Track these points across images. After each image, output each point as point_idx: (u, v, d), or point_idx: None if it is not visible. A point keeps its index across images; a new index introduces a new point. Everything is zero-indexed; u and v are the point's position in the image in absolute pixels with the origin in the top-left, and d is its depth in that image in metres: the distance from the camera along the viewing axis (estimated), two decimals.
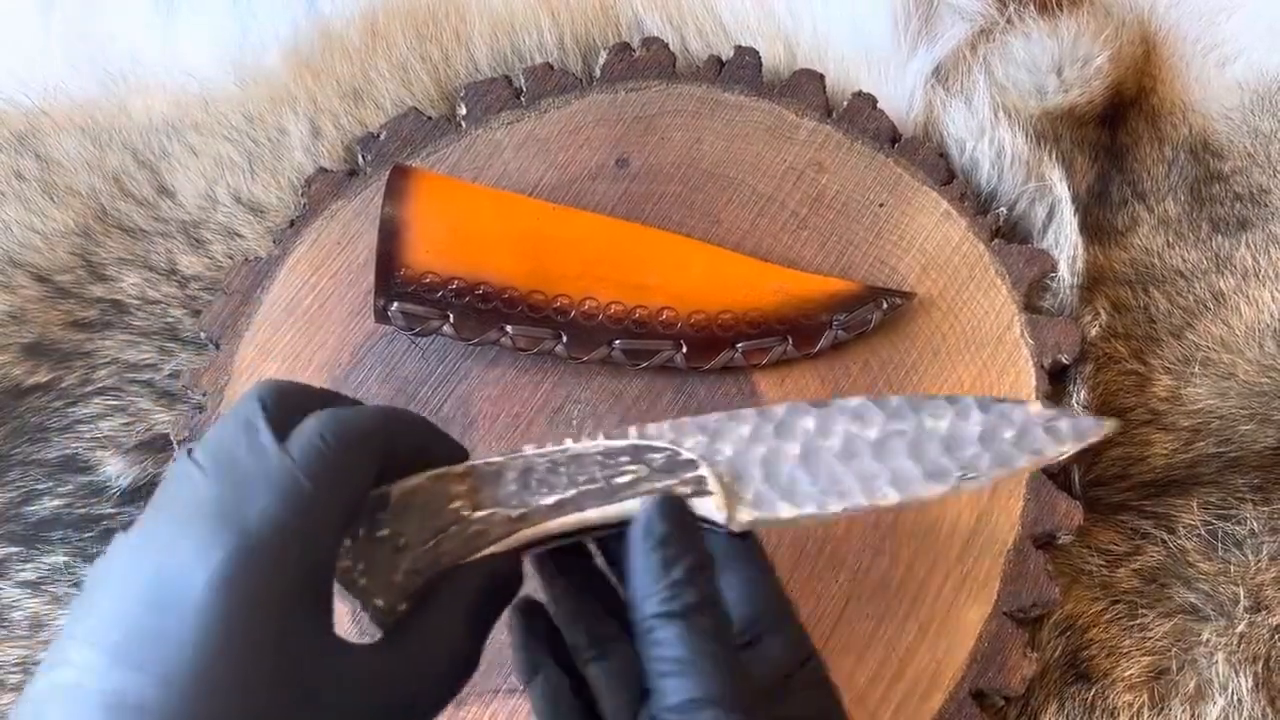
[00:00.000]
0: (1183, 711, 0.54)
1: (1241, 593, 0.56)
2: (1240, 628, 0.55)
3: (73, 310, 0.62)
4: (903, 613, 0.53)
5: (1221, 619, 0.55)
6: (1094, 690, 0.54)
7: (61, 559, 0.58)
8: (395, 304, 0.56)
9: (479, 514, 0.37)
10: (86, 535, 0.59)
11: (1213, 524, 0.57)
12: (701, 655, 0.33)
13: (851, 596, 0.53)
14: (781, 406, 0.40)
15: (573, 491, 0.37)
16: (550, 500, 0.37)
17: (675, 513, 0.36)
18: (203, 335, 0.60)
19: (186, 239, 0.63)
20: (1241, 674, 0.54)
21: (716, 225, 0.60)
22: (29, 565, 0.58)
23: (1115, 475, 0.59)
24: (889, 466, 0.38)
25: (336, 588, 0.34)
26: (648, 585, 0.34)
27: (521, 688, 0.53)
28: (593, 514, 0.37)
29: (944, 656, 0.52)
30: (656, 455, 0.38)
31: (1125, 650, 0.55)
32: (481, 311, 0.56)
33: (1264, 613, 0.55)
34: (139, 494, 0.59)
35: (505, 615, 0.38)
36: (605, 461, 0.38)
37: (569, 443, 0.39)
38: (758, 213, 0.61)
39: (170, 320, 0.62)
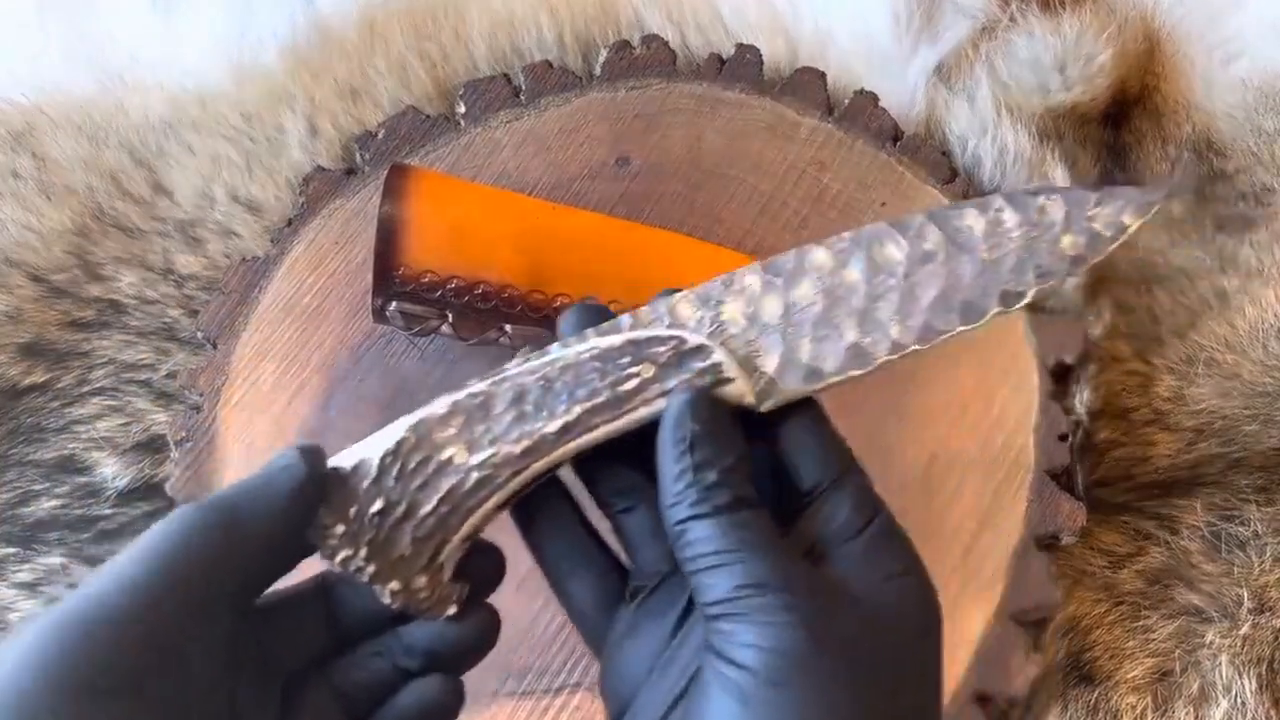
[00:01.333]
0: (1186, 714, 0.54)
1: (1245, 594, 0.55)
2: (1244, 629, 0.55)
3: (69, 310, 0.62)
4: None
5: (1225, 620, 0.55)
6: (1097, 692, 0.54)
7: (58, 560, 0.58)
8: (393, 303, 0.56)
9: (477, 457, 0.33)
10: (83, 536, 0.58)
11: (1216, 525, 0.57)
12: (743, 544, 0.31)
13: None
14: (789, 254, 0.35)
15: (577, 409, 0.33)
16: (554, 425, 0.33)
17: (702, 410, 0.33)
18: (200, 335, 0.60)
19: (183, 238, 0.63)
20: (1245, 676, 0.54)
21: (717, 224, 0.60)
22: (26, 566, 0.58)
23: (1118, 476, 0.59)
24: (926, 295, 0.34)
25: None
26: (679, 490, 0.32)
27: (518, 690, 0.53)
28: (605, 430, 0.33)
29: (947, 658, 0.52)
30: (660, 349, 0.34)
31: (1129, 652, 0.55)
32: (480, 311, 0.56)
33: (1268, 614, 0.55)
34: (135, 495, 0.59)
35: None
36: (604, 366, 0.34)
37: (555, 349, 0.34)
38: (759, 212, 0.61)
39: (167, 320, 0.62)
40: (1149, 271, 0.63)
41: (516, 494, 0.34)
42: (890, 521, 0.33)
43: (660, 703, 0.32)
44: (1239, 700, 0.54)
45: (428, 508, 0.33)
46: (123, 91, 0.66)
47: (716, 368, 0.34)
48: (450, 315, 0.56)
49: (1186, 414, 0.59)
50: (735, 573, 0.30)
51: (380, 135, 0.63)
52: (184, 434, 0.57)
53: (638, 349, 0.34)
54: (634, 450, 0.34)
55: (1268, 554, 0.56)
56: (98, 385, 0.61)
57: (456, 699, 0.34)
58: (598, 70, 0.64)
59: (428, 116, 0.63)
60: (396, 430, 0.33)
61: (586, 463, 0.35)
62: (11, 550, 0.58)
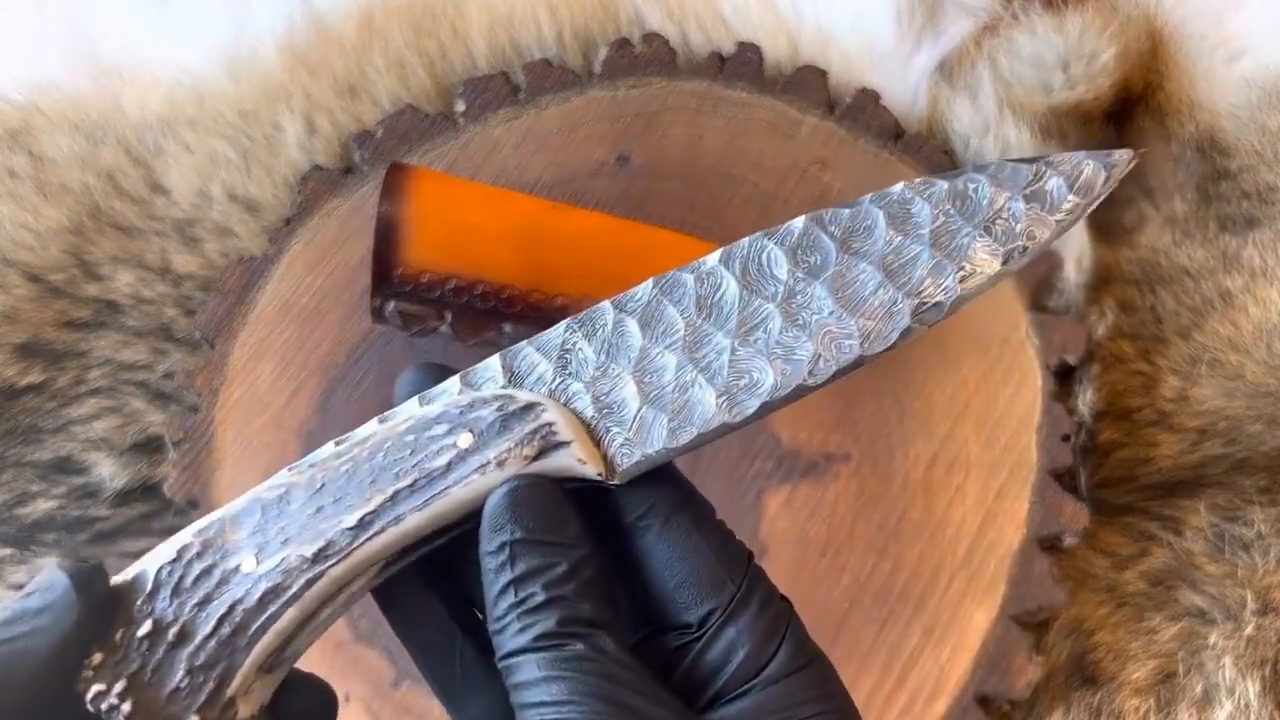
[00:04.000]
0: (1189, 716, 0.53)
1: (1249, 595, 0.55)
2: (1248, 631, 0.55)
3: (66, 310, 0.61)
4: (907, 617, 0.52)
5: (1229, 622, 0.55)
6: (1100, 694, 0.54)
7: (55, 561, 0.58)
8: (392, 303, 0.56)
9: (266, 564, 0.27)
10: (81, 537, 0.58)
11: (1220, 526, 0.57)
12: (573, 692, 0.24)
13: (855, 601, 0.53)
14: (645, 284, 0.30)
15: (377, 499, 0.27)
16: (350, 519, 0.27)
17: (525, 503, 0.26)
18: (197, 335, 0.60)
19: (181, 237, 0.63)
20: (1249, 678, 0.54)
21: (719, 223, 0.60)
22: (23, 567, 0.58)
23: (1122, 477, 0.59)
24: (815, 317, 0.28)
25: None
26: (500, 615, 0.26)
27: None
28: (414, 522, 0.27)
29: (949, 661, 0.52)
30: (484, 411, 0.27)
31: (1132, 654, 0.55)
32: (480, 310, 0.56)
33: (1272, 615, 0.55)
34: (133, 495, 0.59)
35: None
36: (415, 440, 0.27)
37: (372, 425, 0.28)
38: (760, 211, 0.60)
39: (164, 320, 0.61)
40: (1152, 271, 0.62)
41: (323, 605, 0.28)
42: (804, 644, 0.27)
43: None
44: (1242, 702, 0.53)
45: (207, 629, 0.27)
46: (119, 89, 0.65)
47: (547, 429, 0.27)
48: (449, 315, 0.56)
49: (1190, 415, 0.59)
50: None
51: (379, 134, 0.62)
52: (181, 434, 0.57)
53: (458, 415, 0.28)
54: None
55: (1271, 555, 0.56)
56: (94, 385, 0.60)
57: None
58: (597, 69, 0.64)
59: (426, 115, 0.63)
60: (184, 534, 0.27)
61: (389, 584, 0.28)
62: (8, 551, 0.58)
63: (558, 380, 0.29)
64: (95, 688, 0.26)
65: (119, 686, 0.26)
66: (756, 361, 0.29)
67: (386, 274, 0.55)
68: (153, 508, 0.59)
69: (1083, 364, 0.59)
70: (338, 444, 0.28)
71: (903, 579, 0.53)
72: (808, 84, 0.63)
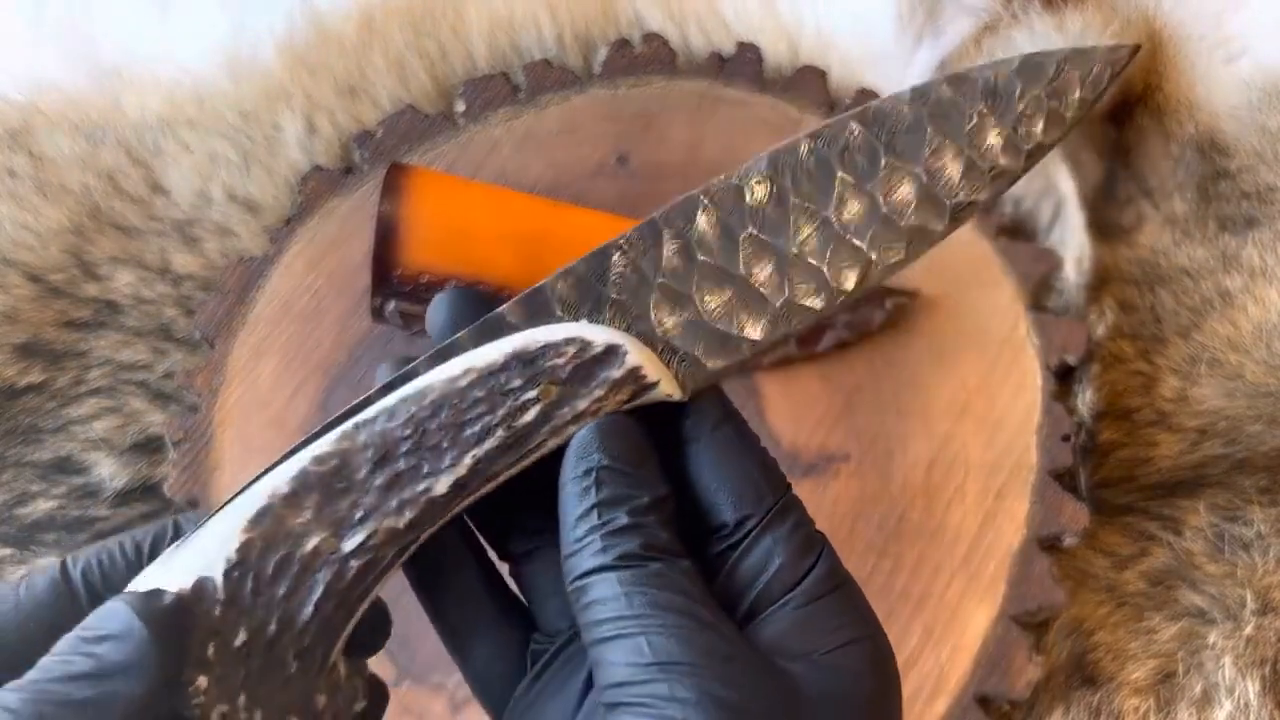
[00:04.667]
0: (1189, 715, 0.53)
1: (1249, 595, 0.55)
2: (1248, 631, 0.55)
3: (66, 310, 0.61)
4: (906, 616, 0.52)
5: (1229, 622, 0.55)
6: (1100, 694, 0.54)
7: (55, 561, 0.58)
8: (392, 303, 0.56)
9: (352, 541, 0.26)
10: (80, 537, 0.58)
11: (1220, 526, 0.57)
12: (653, 607, 0.24)
13: None
14: (693, 196, 0.30)
15: (468, 460, 0.26)
16: (444, 485, 0.26)
17: (612, 438, 0.27)
18: (197, 335, 0.60)
19: (181, 237, 0.63)
20: (1249, 678, 0.54)
21: None
22: (22, 568, 0.58)
23: (1122, 477, 0.59)
24: (858, 225, 0.28)
25: None
26: (580, 536, 0.26)
27: None
28: (506, 476, 0.27)
29: (948, 661, 0.52)
30: (558, 360, 0.27)
31: (1132, 654, 0.55)
32: None
33: (1271, 615, 0.55)
34: (132, 496, 0.59)
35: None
36: (490, 396, 0.26)
37: (422, 377, 0.27)
38: None
39: (164, 320, 0.61)
40: (1152, 271, 0.62)
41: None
42: (837, 568, 0.27)
43: None
44: (1242, 702, 0.53)
45: (306, 615, 0.26)
46: (119, 89, 0.65)
47: (636, 374, 0.27)
48: None
49: (1190, 414, 0.59)
50: (638, 647, 0.24)
51: (379, 134, 0.62)
52: (181, 434, 0.57)
53: (528, 365, 0.27)
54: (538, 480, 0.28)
55: (1271, 555, 0.56)
56: (94, 385, 0.60)
57: None
58: (597, 69, 0.64)
59: (426, 115, 0.63)
60: (231, 529, 0.26)
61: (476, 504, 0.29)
62: (8, 551, 0.58)
63: (624, 308, 0.28)
64: (220, 709, 0.25)
65: (242, 700, 0.25)
66: (810, 268, 0.28)
67: (386, 274, 0.55)
68: (153, 508, 0.59)
69: (1083, 364, 0.59)
70: (381, 395, 0.27)
71: (902, 579, 0.53)
72: (808, 84, 0.63)
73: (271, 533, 0.26)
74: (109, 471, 0.59)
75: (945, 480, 0.55)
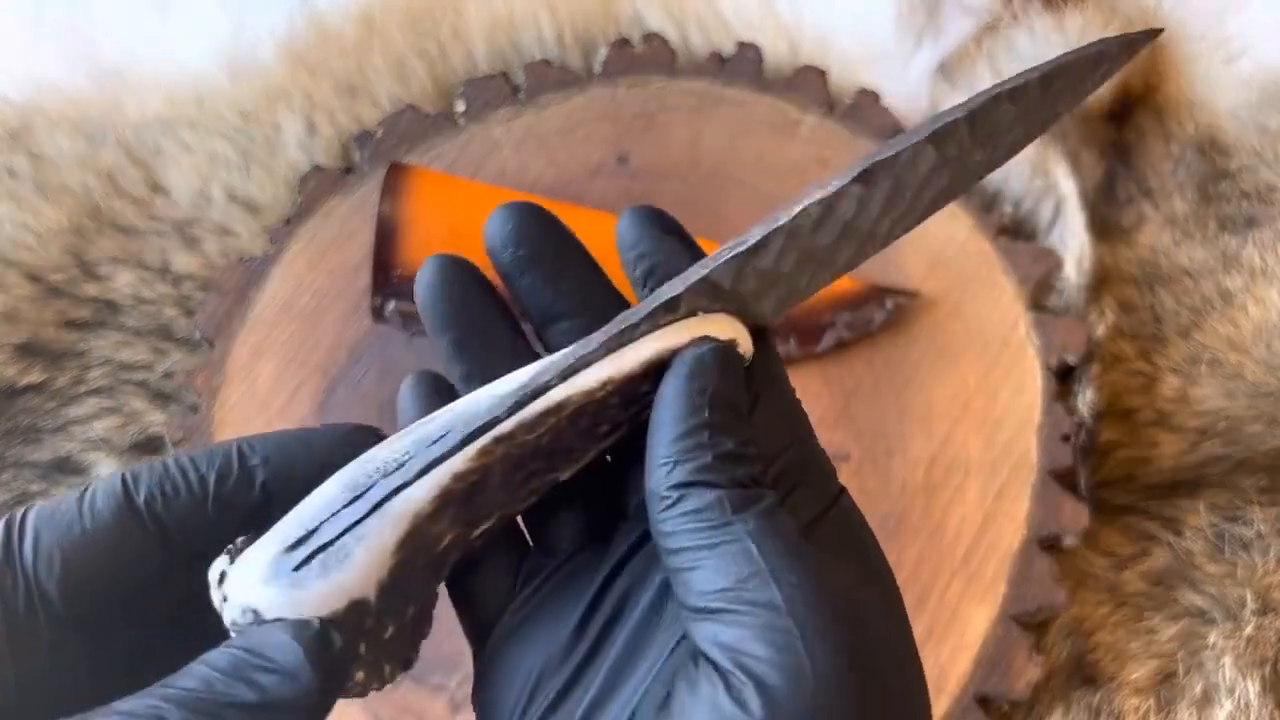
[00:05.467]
0: (1189, 715, 0.53)
1: (1249, 595, 0.55)
2: (1248, 630, 0.54)
3: (66, 310, 0.61)
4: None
5: (1229, 622, 0.55)
6: (1100, 694, 0.54)
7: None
8: (392, 302, 0.55)
9: (480, 528, 0.28)
10: None
11: (1220, 526, 0.57)
12: (758, 529, 0.24)
13: None
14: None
15: (594, 451, 0.28)
16: (567, 474, 0.28)
17: (730, 372, 0.27)
18: (197, 335, 0.60)
19: (181, 237, 0.63)
20: (1249, 678, 0.54)
21: (718, 223, 0.60)
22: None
23: (1122, 477, 0.59)
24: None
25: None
26: (687, 447, 0.25)
27: None
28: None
29: (948, 661, 0.52)
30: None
31: (1132, 654, 0.55)
32: None
33: (1271, 615, 0.55)
34: None
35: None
36: (625, 400, 0.27)
37: (557, 395, 0.27)
38: (760, 210, 0.60)
39: (164, 320, 0.61)
40: (1152, 271, 0.62)
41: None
42: (850, 502, 0.28)
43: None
44: (1242, 702, 0.53)
45: (433, 588, 0.28)
46: (119, 89, 0.65)
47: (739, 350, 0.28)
48: None
49: (1190, 414, 0.59)
50: (746, 553, 0.24)
51: (379, 134, 0.62)
52: (181, 434, 0.57)
53: (660, 369, 0.27)
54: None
55: (1271, 555, 0.56)
56: (94, 385, 0.60)
57: None
58: (597, 68, 0.64)
59: (426, 115, 0.63)
60: (380, 555, 0.26)
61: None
62: None
63: (729, 298, 0.28)
64: (373, 686, 0.26)
65: (388, 669, 0.27)
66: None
67: (386, 273, 0.55)
68: None
69: (1083, 364, 0.59)
70: (510, 417, 0.27)
71: (902, 579, 0.53)
72: (808, 84, 0.63)
73: (416, 547, 0.27)
74: (109, 471, 0.59)
75: (945, 480, 0.55)
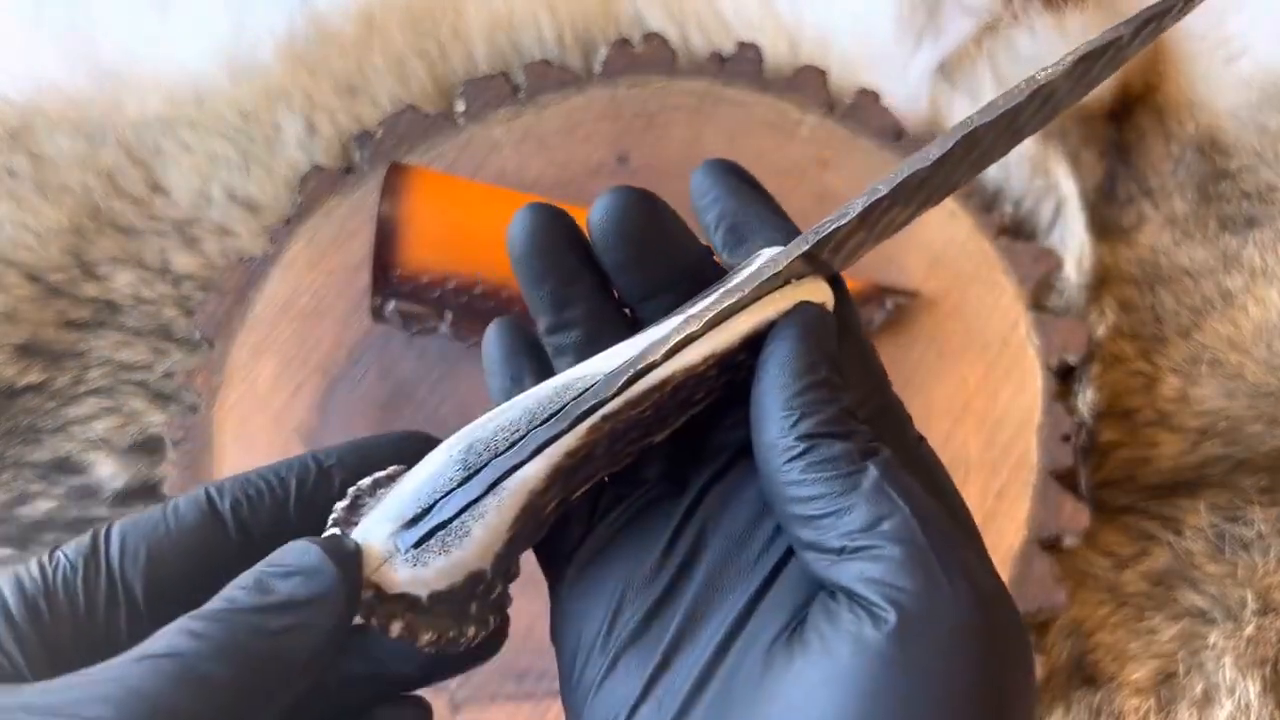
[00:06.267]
0: (1190, 716, 0.53)
1: (1249, 595, 0.55)
2: (1248, 630, 0.54)
3: (65, 310, 0.61)
4: None
5: (1229, 622, 0.55)
6: (1100, 694, 0.54)
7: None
8: (392, 303, 0.55)
9: (579, 492, 0.29)
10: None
11: (1220, 526, 0.57)
12: (896, 481, 0.26)
13: None
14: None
15: (687, 416, 0.29)
16: (661, 437, 0.29)
17: (843, 335, 0.28)
18: (197, 335, 0.60)
19: (180, 237, 0.63)
20: (1249, 678, 0.54)
21: None
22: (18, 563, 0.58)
23: (1122, 477, 0.58)
24: None
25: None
26: (813, 400, 0.26)
27: (518, 693, 0.52)
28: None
29: None
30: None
31: (1132, 654, 0.55)
32: (479, 310, 0.56)
33: (1272, 615, 0.55)
34: (132, 496, 0.59)
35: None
36: (722, 370, 0.28)
37: (662, 373, 0.27)
38: None
39: (164, 320, 0.61)
40: (1152, 271, 0.62)
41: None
42: (929, 447, 0.30)
43: (694, 645, 0.26)
44: (1242, 702, 0.53)
45: (527, 546, 0.29)
46: (119, 89, 0.65)
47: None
48: (449, 315, 0.56)
49: (1190, 415, 0.59)
50: (879, 501, 0.25)
51: (379, 134, 0.62)
52: (181, 434, 0.57)
53: (758, 340, 0.28)
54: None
55: (1271, 555, 0.56)
56: (94, 385, 0.60)
57: None
58: (597, 68, 0.64)
59: (426, 115, 0.63)
60: (498, 531, 0.27)
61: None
62: (8, 551, 0.58)
63: (821, 266, 0.29)
64: (480, 635, 0.27)
65: (471, 629, 0.27)
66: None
67: (386, 273, 0.55)
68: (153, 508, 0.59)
69: (1083, 364, 0.59)
70: (615, 397, 0.27)
71: None
72: (808, 84, 0.63)
73: (528, 519, 0.28)
74: (109, 471, 0.59)
75: None
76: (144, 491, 0.59)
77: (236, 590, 0.24)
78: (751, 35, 0.66)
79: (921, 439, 0.29)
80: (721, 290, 0.28)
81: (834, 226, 0.28)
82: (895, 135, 0.62)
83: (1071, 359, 0.58)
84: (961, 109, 0.64)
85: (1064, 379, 0.59)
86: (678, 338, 0.27)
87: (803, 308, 0.28)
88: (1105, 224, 0.64)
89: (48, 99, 0.65)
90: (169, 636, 0.23)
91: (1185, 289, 0.62)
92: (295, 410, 0.57)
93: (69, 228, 0.62)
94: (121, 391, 0.60)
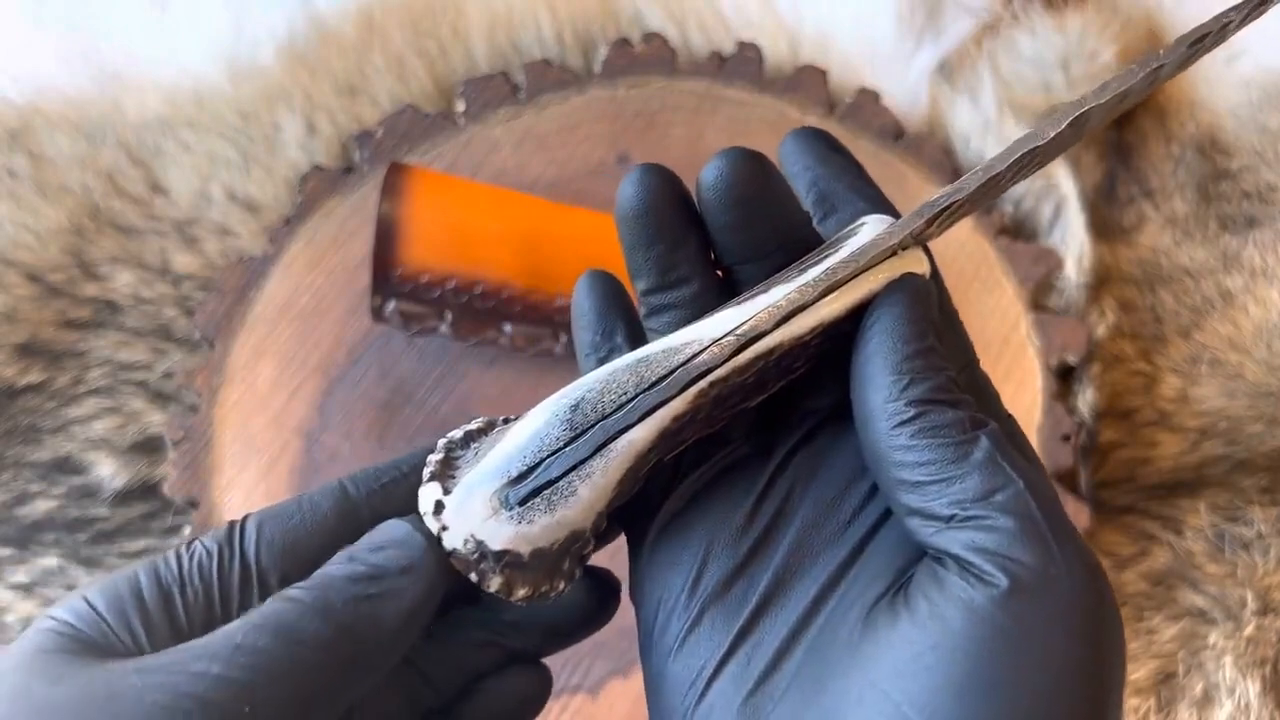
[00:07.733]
0: (1189, 715, 0.53)
1: (1249, 595, 0.55)
2: (1248, 631, 0.54)
3: (65, 310, 0.61)
4: None
5: (1229, 622, 0.55)
6: None
7: (55, 561, 0.57)
8: (392, 303, 0.55)
9: (674, 453, 0.29)
10: (80, 537, 0.58)
11: (1220, 526, 0.57)
12: (1002, 453, 0.26)
13: None
14: None
15: (783, 383, 0.29)
16: (755, 402, 0.28)
17: (943, 305, 0.28)
18: (197, 335, 0.60)
19: (180, 237, 0.63)
20: (1249, 678, 0.54)
21: None
22: (22, 568, 0.57)
23: (1122, 477, 0.58)
24: None
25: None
26: (922, 367, 0.26)
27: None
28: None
29: None
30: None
31: (1132, 654, 0.55)
32: (479, 310, 0.55)
33: (1271, 615, 0.55)
34: (132, 496, 0.59)
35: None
36: (824, 339, 0.28)
37: (769, 342, 0.28)
38: None
39: (164, 320, 0.61)
40: (1152, 271, 0.62)
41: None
42: (1016, 423, 0.30)
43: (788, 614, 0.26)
44: (1242, 702, 0.53)
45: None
46: (119, 90, 0.65)
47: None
48: (449, 315, 0.56)
49: (1190, 414, 0.59)
50: (993, 471, 0.25)
51: (379, 134, 0.62)
52: (181, 434, 0.57)
53: (861, 309, 0.28)
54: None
55: (1271, 555, 0.56)
56: (94, 385, 0.60)
57: (548, 691, 0.30)
58: (597, 68, 0.64)
59: (426, 115, 0.63)
60: (604, 490, 0.27)
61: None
62: (8, 552, 0.58)
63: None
64: (568, 588, 0.27)
65: (561, 584, 0.27)
66: None
67: (386, 273, 0.55)
68: (153, 508, 0.59)
69: (1083, 364, 0.59)
70: (721, 364, 0.27)
71: None
72: (808, 84, 0.63)
73: (631, 479, 0.28)
74: (109, 471, 0.59)
75: None
76: (144, 491, 0.59)
77: (331, 564, 0.26)
78: (752, 35, 0.66)
79: (1010, 416, 0.29)
80: (834, 260, 0.28)
81: (949, 201, 0.28)
82: (895, 135, 0.62)
83: (1071, 359, 0.58)
84: (961, 109, 0.64)
85: (1064, 379, 0.59)
86: (790, 306, 0.27)
87: (908, 278, 0.28)
88: (1105, 224, 0.64)
89: (48, 99, 0.65)
90: (270, 603, 0.25)
91: (1185, 289, 0.62)
92: (295, 410, 0.57)
93: (69, 228, 0.62)
94: (121, 391, 0.60)
